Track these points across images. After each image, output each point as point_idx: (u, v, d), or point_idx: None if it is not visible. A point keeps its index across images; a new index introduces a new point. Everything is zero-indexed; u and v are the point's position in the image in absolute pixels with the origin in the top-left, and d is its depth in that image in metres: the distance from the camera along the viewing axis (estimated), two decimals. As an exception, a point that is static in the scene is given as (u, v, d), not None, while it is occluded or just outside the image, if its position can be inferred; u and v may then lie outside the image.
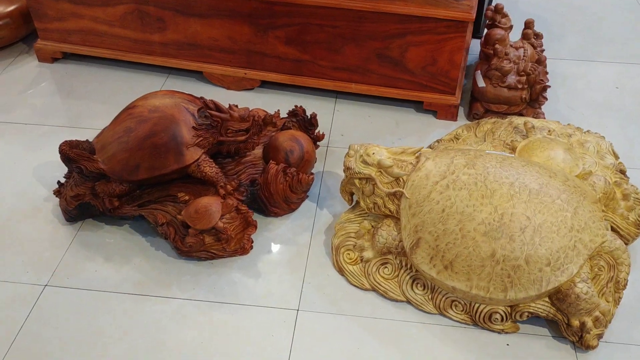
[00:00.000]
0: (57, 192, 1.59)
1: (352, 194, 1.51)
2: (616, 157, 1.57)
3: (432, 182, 1.34)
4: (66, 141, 1.51)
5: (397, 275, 1.40)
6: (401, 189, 1.37)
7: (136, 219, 1.56)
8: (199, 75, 2.08)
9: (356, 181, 1.43)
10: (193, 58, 2.03)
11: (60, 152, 1.50)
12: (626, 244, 1.42)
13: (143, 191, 1.54)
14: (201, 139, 1.47)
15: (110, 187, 1.51)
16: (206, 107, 1.49)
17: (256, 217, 1.54)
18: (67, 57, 2.18)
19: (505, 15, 2.01)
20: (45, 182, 1.69)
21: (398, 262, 1.40)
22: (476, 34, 2.18)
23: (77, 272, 1.46)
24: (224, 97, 2.02)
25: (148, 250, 1.52)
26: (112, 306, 1.39)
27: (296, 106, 1.73)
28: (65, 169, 1.63)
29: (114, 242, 1.54)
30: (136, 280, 1.44)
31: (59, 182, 1.60)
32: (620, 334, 1.32)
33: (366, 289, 1.42)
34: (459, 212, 1.30)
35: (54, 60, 2.17)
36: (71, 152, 1.48)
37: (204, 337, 1.33)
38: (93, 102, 2.01)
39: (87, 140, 1.55)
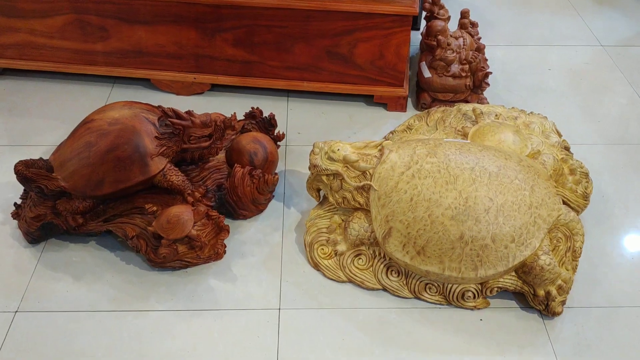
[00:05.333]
0: (16, 215, 1.53)
1: (318, 190, 1.55)
2: (559, 135, 1.69)
3: (398, 173, 1.40)
4: (21, 161, 1.47)
5: (372, 265, 1.45)
6: (369, 182, 1.41)
7: (102, 234, 1.53)
8: (146, 83, 2.05)
9: (324, 178, 1.46)
10: (139, 66, 1.99)
11: (16, 173, 1.45)
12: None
13: (107, 205, 1.52)
14: (165, 148, 1.46)
15: (73, 205, 1.47)
16: (166, 115, 1.48)
17: (226, 221, 1.54)
18: (4, 72, 2.09)
19: (442, 7, 2.10)
20: (-1, 205, 1.63)
21: (371, 252, 1.45)
22: (414, 26, 2.25)
23: (47, 295, 1.42)
24: (174, 102, 2.00)
25: (118, 265, 1.50)
26: (90, 325, 1.36)
27: (253, 108, 1.75)
28: (19, 190, 1.59)
29: (82, 260, 1.50)
30: (111, 297, 1.42)
31: (15, 203, 1.55)
32: (581, 299, 1.43)
33: (343, 281, 1.46)
34: (427, 200, 1.36)
35: (-11, 76, 2.08)
36: (28, 172, 1.44)
37: (189, 347, 1.33)
38: (37, 118, 1.94)
39: (41, 158, 1.51)
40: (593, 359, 1.32)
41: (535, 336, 1.36)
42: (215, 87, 2.03)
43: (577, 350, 1.33)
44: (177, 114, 1.47)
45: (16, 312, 1.39)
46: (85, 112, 1.94)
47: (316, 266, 1.48)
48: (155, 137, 1.45)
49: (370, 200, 1.42)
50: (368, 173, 1.43)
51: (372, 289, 1.44)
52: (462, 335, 1.36)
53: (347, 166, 1.44)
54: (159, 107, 1.53)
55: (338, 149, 1.44)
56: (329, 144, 1.46)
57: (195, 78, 1.99)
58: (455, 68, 1.91)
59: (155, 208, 1.47)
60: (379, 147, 1.47)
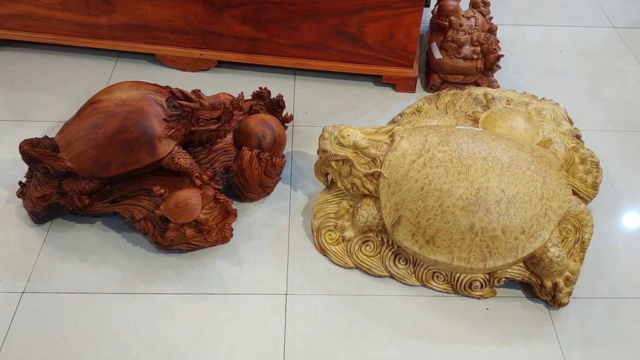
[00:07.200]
0: (21, 194, 1.52)
1: (327, 174, 1.53)
2: (571, 122, 1.67)
3: (409, 161, 1.38)
4: (26, 140, 1.44)
5: (379, 252, 1.45)
6: (379, 169, 1.40)
7: (108, 215, 1.52)
8: (151, 58, 2.01)
9: (332, 163, 1.45)
10: (144, 40, 1.95)
11: (21, 153, 1.43)
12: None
13: (114, 186, 1.50)
14: (173, 130, 1.44)
15: (79, 185, 1.46)
16: (174, 97, 1.46)
17: (233, 203, 1.53)
18: (4, 44, 2.04)
19: (454, -15, 2.05)
20: (2, 183, 1.61)
21: (379, 239, 1.45)
22: (425, 3, 2.20)
23: (54, 276, 1.42)
24: (179, 78, 1.97)
25: (125, 247, 1.49)
26: (98, 307, 1.36)
27: (261, 88, 1.72)
28: (22, 167, 1.57)
29: (88, 240, 1.50)
30: (118, 278, 1.42)
31: (20, 182, 1.53)
32: (586, 289, 1.43)
33: (350, 268, 1.46)
34: (438, 189, 1.35)
35: (-10, 48, 2.04)
36: (34, 152, 1.42)
37: (196, 331, 1.33)
38: (39, 91, 1.91)
39: (46, 136, 1.49)
40: (597, 349, 1.33)
41: (541, 326, 1.37)
42: (221, 64, 2.00)
43: (582, 341, 1.34)
44: (185, 96, 1.45)
45: (23, 292, 1.38)
46: (89, 86, 1.92)
47: (323, 251, 1.48)
48: (164, 119, 1.43)
49: (380, 188, 1.41)
50: (378, 160, 1.41)
51: (380, 276, 1.44)
52: (469, 324, 1.37)
53: (357, 152, 1.42)
54: (167, 87, 1.50)
55: (348, 135, 1.42)
56: (339, 128, 1.44)
57: (201, 54, 1.95)
58: (466, 50, 1.88)
59: (162, 191, 1.46)
60: (389, 134, 1.45)
